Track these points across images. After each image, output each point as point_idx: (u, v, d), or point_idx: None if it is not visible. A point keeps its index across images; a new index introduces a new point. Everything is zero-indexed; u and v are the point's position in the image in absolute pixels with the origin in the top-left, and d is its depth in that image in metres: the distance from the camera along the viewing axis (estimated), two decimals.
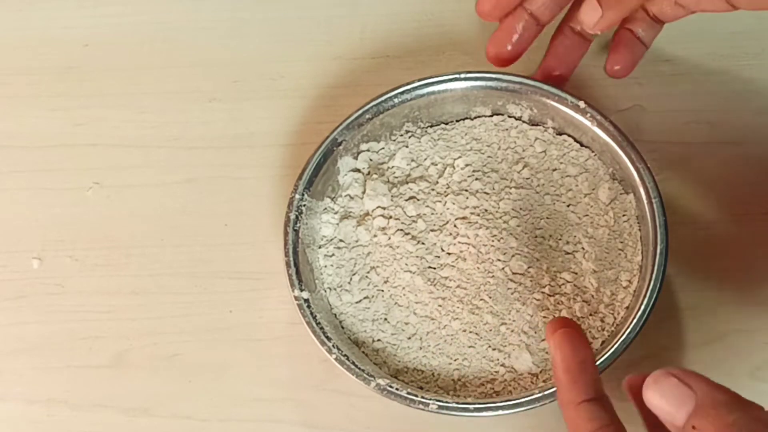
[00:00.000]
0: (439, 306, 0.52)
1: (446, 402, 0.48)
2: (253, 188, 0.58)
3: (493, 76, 0.55)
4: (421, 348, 0.52)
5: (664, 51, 0.60)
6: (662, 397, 0.40)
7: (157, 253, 0.57)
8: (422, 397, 0.48)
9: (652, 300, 0.49)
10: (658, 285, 0.49)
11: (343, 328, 0.52)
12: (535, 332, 0.51)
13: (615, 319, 0.51)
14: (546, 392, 0.48)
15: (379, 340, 0.52)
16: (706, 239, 0.55)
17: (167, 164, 0.59)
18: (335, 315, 0.53)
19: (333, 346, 0.50)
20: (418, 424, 0.52)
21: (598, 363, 0.48)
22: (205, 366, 0.55)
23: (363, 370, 0.49)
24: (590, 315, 0.51)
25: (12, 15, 0.64)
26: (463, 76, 0.55)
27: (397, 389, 0.49)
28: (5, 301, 0.57)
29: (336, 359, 0.49)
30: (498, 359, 0.51)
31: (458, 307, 0.52)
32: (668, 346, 0.53)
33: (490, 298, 0.52)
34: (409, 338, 0.52)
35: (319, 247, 0.54)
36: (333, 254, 0.54)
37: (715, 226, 0.55)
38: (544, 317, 0.51)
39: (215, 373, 0.54)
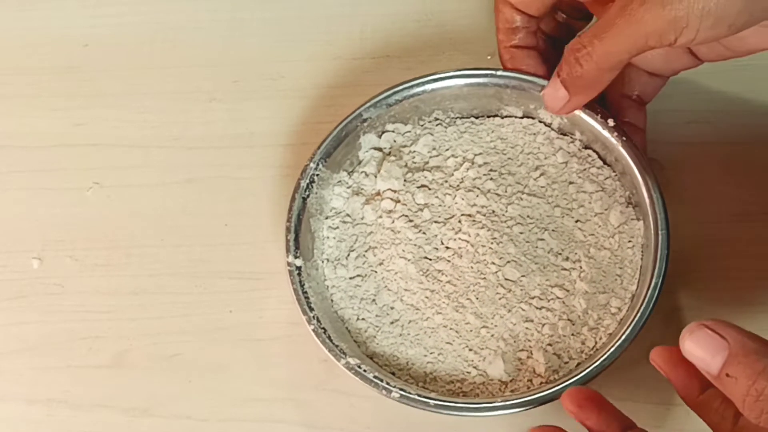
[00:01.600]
0: (426, 297, 0.52)
1: (408, 392, 0.48)
2: (253, 188, 0.58)
3: (530, 79, 0.54)
4: (400, 335, 0.52)
5: None
6: (697, 346, 0.41)
7: (157, 253, 0.57)
8: (386, 383, 0.48)
9: (636, 330, 0.48)
10: (645, 316, 0.49)
11: (332, 301, 0.52)
12: (514, 341, 0.51)
13: (596, 343, 0.51)
14: (508, 402, 0.48)
15: (363, 319, 0.52)
16: (706, 239, 0.55)
17: (167, 164, 0.59)
18: (327, 287, 0.53)
19: (313, 317, 0.50)
20: (418, 424, 0.52)
21: (567, 383, 0.48)
22: (205, 366, 0.55)
23: (336, 346, 0.49)
24: (572, 335, 0.51)
25: (12, 15, 0.64)
26: (499, 73, 0.54)
27: (365, 370, 0.49)
28: (5, 301, 0.57)
29: (313, 330, 0.49)
30: (472, 360, 0.51)
31: (444, 302, 0.52)
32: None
33: (477, 299, 0.51)
34: (392, 323, 0.52)
35: (326, 218, 0.54)
36: (338, 227, 0.54)
37: (715, 226, 0.55)
38: (527, 328, 0.51)
39: (215, 373, 0.54)
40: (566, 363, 0.50)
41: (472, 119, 0.56)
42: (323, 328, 0.50)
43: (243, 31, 0.63)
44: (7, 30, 0.64)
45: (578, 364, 0.50)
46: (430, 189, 0.54)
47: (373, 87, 0.55)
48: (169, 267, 0.57)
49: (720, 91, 0.59)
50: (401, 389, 0.48)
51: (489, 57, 0.60)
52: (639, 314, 0.49)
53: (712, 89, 0.59)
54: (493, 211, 0.53)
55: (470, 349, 0.51)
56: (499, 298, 0.51)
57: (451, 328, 0.51)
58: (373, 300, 0.52)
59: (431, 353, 0.51)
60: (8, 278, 0.57)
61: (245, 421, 0.53)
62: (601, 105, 0.53)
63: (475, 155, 0.55)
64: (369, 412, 0.50)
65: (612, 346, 0.48)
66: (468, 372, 0.51)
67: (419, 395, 0.48)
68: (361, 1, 0.63)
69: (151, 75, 0.62)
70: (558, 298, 0.51)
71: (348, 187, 0.55)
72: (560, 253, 0.52)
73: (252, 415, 0.53)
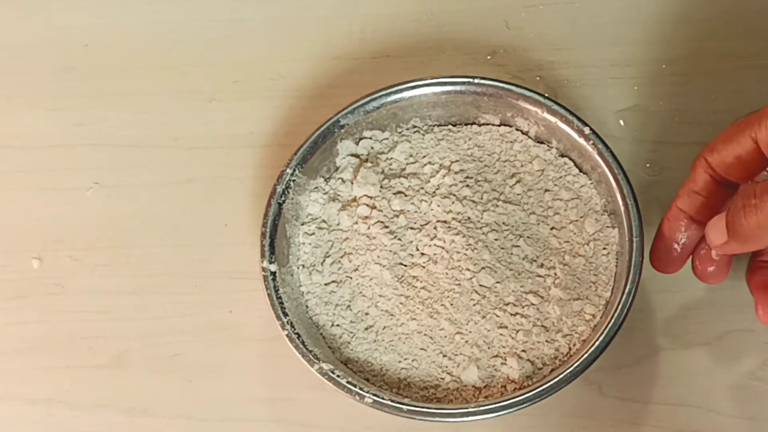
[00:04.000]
0: (401, 303, 0.52)
1: (382, 398, 0.48)
2: (253, 188, 0.58)
3: (507, 87, 0.54)
4: (375, 341, 0.52)
5: (664, 51, 0.60)
6: None
7: (157, 253, 0.57)
8: (360, 389, 0.48)
9: (610, 336, 0.48)
10: (619, 323, 0.48)
11: (307, 306, 0.52)
12: (488, 348, 0.51)
13: (570, 350, 0.50)
14: (481, 408, 0.48)
15: (338, 325, 0.52)
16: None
17: (167, 164, 0.59)
18: (302, 293, 0.53)
19: (287, 322, 0.50)
20: (418, 425, 0.52)
21: (540, 389, 0.48)
22: (205, 366, 0.55)
23: (310, 351, 0.49)
24: (546, 341, 0.51)
25: (12, 15, 0.64)
26: (476, 81, 0.54)
27: (338, 376, 0.49)
28: (5, 301, 0.57)
29: (287, 335, 0.49)
30: (446, 366, 0.51)
31: (418, 308, 0.52)
32: (668, 346, 0.53)
33: (452, 305, 0.51)
34: (366, 329, 0.52)
35: (302, 224, 0.54)
36: (314, 233, 0.54)
37: None
38: (501, 335, 0.51)
39: (215, 373, 0.54)
40: (540, 369, 0.50)
41: (450, 127, 0.56)
42: (297, 334, 0.50)
43: (243, 31, 0.63)
44: (7, 30, 0.64)
45: (552, 370, 0.50)
46: (406, 195, 0.54)
47: (373, 87, 0.55)
48: (169, 267, 0.57)
49: (720, 91, 0.59)
50: (374, 395, 0.48)
51: (489, 57, 0.60)
52: (613, 321, 0.48)
53: (712, 89, 0.59)
54: (469, 218, 0.53)
55: (444, 355, 0.51)
56: (474, 305, 0.51)
57: (425, 334, 0.51)
58: (348, 306, 0.52)
59: (405, 359, 0.51)
60: (8, 278, 0.57)
61: (245, 421, 0.53)
62: None
63: (452, 162, 0.55)
64: (369, 412, 0.50)
65: (585, 353, 0.48)
66: (442, 378, 0.51)
67: (392, 401, 0.48)
68: (361, 1, 0.63)
69: (151, 75, 0.62)
70: (532, 304, 0.51)
71: (324, 193, 0.55)
72: (535, 260, 0.52)
73: (252, 415, 0.53)
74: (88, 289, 0.57)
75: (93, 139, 0.60)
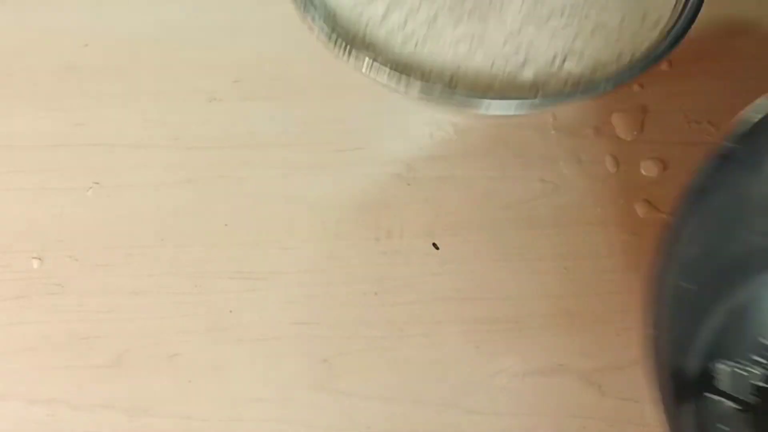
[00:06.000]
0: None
1: (429, 90, 0.45)
2: (253, 188, 0.58)
3: None
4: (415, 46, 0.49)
5: None
6: None
7: (157, 253, 0.57)
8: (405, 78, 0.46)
9: (678, 35, 0.46)
10: (689, 18, 0.46)
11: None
12: (546, 49, 0.48)
13: (633, 54, 0.48)
14: (537, 99, 0.45)
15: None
16: None
17: (167, 164, 0.59)
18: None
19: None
20: (418, 424, 0.52)
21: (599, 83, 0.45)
22: (205, 366, 0.55)
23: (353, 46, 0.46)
24: (604, 47, 0.48)
25: (12, 15, 0.64)
26: None
27: (381, 64, 0.46)
28: (5, 301, 0.57)
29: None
30: (500, 65, 0.48)
31: (466, 16, 0.49)
32: None
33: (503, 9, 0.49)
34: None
35: None
36: None
37: None
38: (557, 36, 0.48)
39: (215, 373, 0.54)
40: (602, 68, 0.48)
41: None
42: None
43: (243, 31, 0.63)
44: (6, 30, 0.64)
45: (614, 71, 0.47)
46: None
47: (374, 86, 0.55)
48: (169, 267, 0.57)
49: (720, 91, 0.59)
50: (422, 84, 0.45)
51: None
52: (682, 20, 0.46)
53: (712, 89, 0.59)
54: None
55: (497, 58, 0.48)
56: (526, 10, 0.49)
57: (474, 39, 0.49)
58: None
59: (453, 64, 0.48)
60: (8, 278, 0.57)
61: (245, 421, 0.53)
62: None
63: None
64: (369, 412, 0.50)
65: (650, 54, 0.45)
66: (495, 76, 0.48)
67: (443, 88, 0.45)
68: None
69: (151, 75, 0.62)
70: (591, 9, 0.49)
71: None
72: None
73: (252, 415, 0.53)
74: (88, 289, 0.57)
75: (93, 139, 0.60)
